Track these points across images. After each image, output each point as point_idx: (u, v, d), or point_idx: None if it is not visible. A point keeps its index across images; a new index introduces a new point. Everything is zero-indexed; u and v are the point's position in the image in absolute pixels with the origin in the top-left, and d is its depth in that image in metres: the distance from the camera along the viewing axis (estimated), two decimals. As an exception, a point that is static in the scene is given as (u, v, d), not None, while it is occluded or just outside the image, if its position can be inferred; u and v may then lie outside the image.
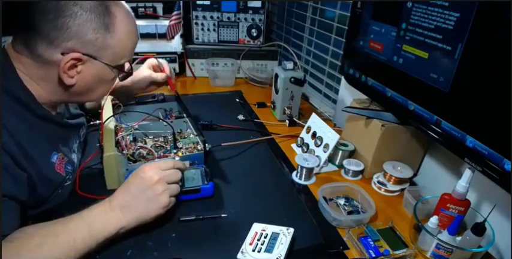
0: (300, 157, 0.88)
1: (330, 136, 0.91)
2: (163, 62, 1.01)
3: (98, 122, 0.97)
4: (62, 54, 0.61)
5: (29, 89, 0.63)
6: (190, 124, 0.99)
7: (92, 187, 0.78)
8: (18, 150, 0.58)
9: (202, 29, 1.52)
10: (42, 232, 0.57)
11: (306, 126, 1.03)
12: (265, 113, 1.25)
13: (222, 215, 0.74)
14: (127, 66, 0.75)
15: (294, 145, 1.05)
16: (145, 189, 0.65)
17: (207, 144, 0.88)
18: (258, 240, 0.65)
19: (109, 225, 0.62)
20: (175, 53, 1.53)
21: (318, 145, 0.95)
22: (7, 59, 0.62)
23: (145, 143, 0.90)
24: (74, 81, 0.65)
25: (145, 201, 0.65)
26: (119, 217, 0.63)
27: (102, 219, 0.62)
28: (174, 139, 0.89)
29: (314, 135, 0.97)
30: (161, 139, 0.94)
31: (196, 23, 1.51)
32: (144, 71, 0.99)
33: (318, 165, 0.90)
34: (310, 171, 0.88)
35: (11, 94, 0.60)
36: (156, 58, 1.00)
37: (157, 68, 1.01)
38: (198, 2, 1.46)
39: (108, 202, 0.64)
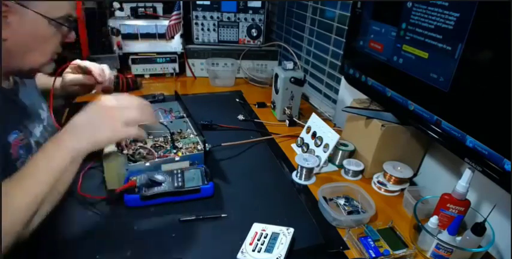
0: (300, 157, 0.88)
1: (330, 136, 0.91)
2: (89, 64, 0.90)
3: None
4: None
5: None
6: (190, 124, 0.99)
7: (92, 187, 0.78)
8: None
9: (202, 29, 1.52)
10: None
11: (306, 126, 1.03)
12: (265, 113, 1.25)
13: (222, 215, 0.74)
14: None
15: (294, 145, 1.05)
16: (99, 112, 0.61)
17: (207, 144, 0.88)
18: (258, 240, 0.65)
19: (62, 147, 0.58)
20: (175, 53, 1.54)
21: (318, 145, 0.95)
22: None
23: (145, 143, 0.90)
24: (5, 35, 0.59)
25: (96, 122, 0.61)
26: (70, 139, 0.59)
27: (53, 145, 0.59)
28: (172, 140, 0.89)
29: (314, 135, 0.97)
30: (161, 139, 0.94)
31: (196, 23, 1.51)
32: (67, 75, 0.90)
33: (318, 165, 0.90)
34: (310, 171, 0.88)
35: None
36: (82, 61, 0.91)
37: (80, 70, 0.91)
38: (198, 2, 1.46)
39: (61, 130, 0.61)
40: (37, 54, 0.67)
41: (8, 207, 0.52)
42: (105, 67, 0.92)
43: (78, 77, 0.89)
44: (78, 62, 0.90)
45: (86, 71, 0.90)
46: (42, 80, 0.90)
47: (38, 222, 0.57)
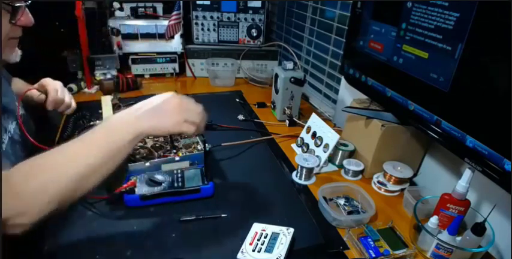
0: (300, 157, 0.88)
1: (330, 136, 0.91)
2: (50, 89, 0.96)
3: (98, 122, 0.97)
4: None
5: None
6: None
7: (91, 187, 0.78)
8: None
9: (202, 29, 1.52)
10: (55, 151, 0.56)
11: (306, 126, 1.03)
12: (265, 113, 1.25)
13: (222, 215, 0.74)
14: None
15: (294, 145, 1.05)
16: (168, 103, 0.65)
17: (207, 144, 0.88)
18: (258, 240, 0.65)
19: (127, 125, 0.61)
20: (175, 53, 1.54)
21: (318, 145, 0.95)
22: None
23: (145, 143, 0.90)
24: None
25: (163, 111, 0.64)
26: (136, 119, 0.62)
27: (117, 121, 0.62)
28: (171, 141, 0.89)
29: (314, 135, 0.97)
30: (161, 139, 0.94)
31: (196, 23, 1.51)
32: (32, 92, 0.96)
33: (318, 165, 0.90)
34: (310, 171, 0.88)
35: None
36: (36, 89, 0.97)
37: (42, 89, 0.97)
38: (198, 2, 1.46)
39: (125, 110, 0.64)
40: None
41: (57, 173, 0.53)
42: (65, 93, 0.99)
43: (34, 94, 0.96)
44: (46, 82, 0.96)
45: (45, 93, 0.96)
46: (17, 85, 0.94)
47: (77, 197, 0.56)
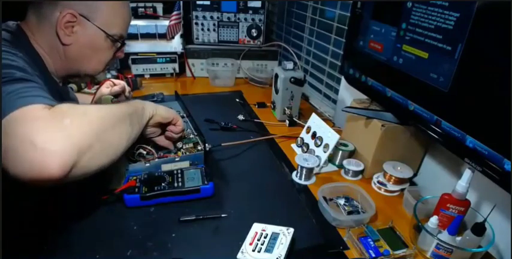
0: (300, 157, 0.88)
1: (330, 137, 0.91)
2: (119, 81, 1.09)
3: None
4: (60, 12, 0.69)
5: (41, 58, 0.72)
6: (190, 124, 0.99)
7: (91, 187, 0.78)
8: None
9: (202, 29, 1.52)
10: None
11: (306, 126, 1.03)
12: (265, 113, 1.25)
13: (222, 215, 0.74)
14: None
15: (294, 145, 1.05)
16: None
17: (207, 144, 0.88)
18: (258, 240, 0.65)
19: (147, 107, 0.74)
20: (175, 53, 1.54)
21: (318, 146, 0.95)
22: (22, 33, 0.70)
23: (145, 143, 0.89)
24: (70, 41, 0.72)
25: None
26: (150, 104, 0.76)
27: (140, 103, 0.73)
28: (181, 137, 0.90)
29: (314, 135, 0.97)
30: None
31: (196, 23, 1.51)
32: (103, 90, 1.05)
33: (318, 165, 0.90)
34: (310, 171, 0.88)
35: (31, 59, 0.66)
36: (109, 79, 1.09)
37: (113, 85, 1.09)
38: (198, 2, 1.46)
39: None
40: (93, 61, 0.79)
41: (80, 116, 0.55)
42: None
43: (115, 88, 1.06)
44: (113, 80, 1.10)
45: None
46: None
47: (91, 168, 0.55)
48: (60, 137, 0.49)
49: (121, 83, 1.07)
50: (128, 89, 1.10)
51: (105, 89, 1.04)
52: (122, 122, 0.63)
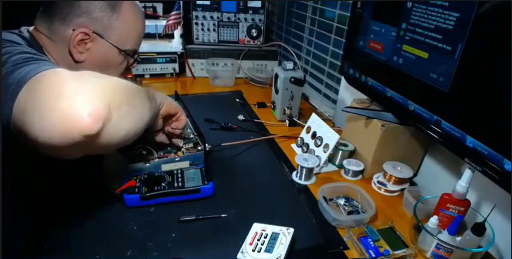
0: (300, 157, 0.88)
1: (330, 137, 0.91)
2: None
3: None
4: (73, 30, 0.68)
5: None
6: (190, 124, 0.99)
7: (91, 187, 0.78)
8: None
9: (202, 29, 1.52)
10: None
11: (306, 126, 1.03)
12: (265, 113, 1.25)
13: (222, 215, 0.74)
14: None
15: (294, 145, 1.05)
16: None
17: (207, 144, 0.88)
18: (258, 240, 0.65)
19: (158, 96, 0.72)
20: (175, 53, 1.53)
21: (318, 146, 0.95)
22: (38, 43, 0.69)
23: (145, 143, 0.89)
24: (83, 57, 0.71)
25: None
26: (160, 94, 0.75)
27: (151, 91, 0.68)
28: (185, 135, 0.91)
29: (314, 135, 0.97)
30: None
31: (196, 23, 1.50)
32: None
33: (318, 165, 0.90)
34: (310, 171, 0.88)
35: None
36: None
37: None
38: (198, 2, 1.46)
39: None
40: None
41: (107, 78, 0.50)
42: None
43: None
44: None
45: None
46: None
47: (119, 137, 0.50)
48: (91, 88, 0.45)
49: None
50: None
51: None
52: (142, 94, 0.59)
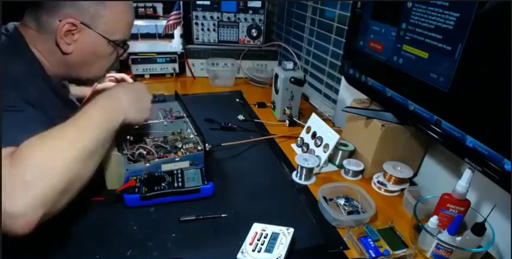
0: (300, 157, 0.88)
1: (330, 137, 0.91)
2: (123, 75, 1.16)
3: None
4: (60, 21, 0.67)
5: (40, 62, 0.70)
6: (190, 124, 0.99)
7: (91, 187, 0.78)
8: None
9: (202, 29, 1.52)
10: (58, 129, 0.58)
11: (306, 126, 1.03)
12: (265, 113, 1.25)
13: (222, 215, 0.74)
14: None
15: (294, 146, 1.05)
16: (141, 93, 0.77)
17: (207, 144, 0.88)
18: (258, 240, 0.65)
19: (117, 114, 0.68)
20: (175, 53, 1.53)
21: (318, 146, 0.95)
22: (20, 37, 0.68)
23: (145, 143, 0.90)
24: (71, 49, 0.70)
25: (141, 103, 0.76)
26: (122, 103, 0.70)
27: (111, 104, 0.68)
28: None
29: (314, 135, 0.97)
30: (161, 139, 0.94)
31: (196, 23, 1.51)
32: (107, 84, 1.05)
33: (318, 165, 0.90)
34: (310, 171, 0.88)
35: (29, 65, 0.67)
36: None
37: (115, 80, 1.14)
38: (198, 2, 1.46)
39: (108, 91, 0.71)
40: (95, 67, 0.78)
41: (55, 156, 0.54)
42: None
43: (110, 84, 1.06)
44: (113, 74, 1.15)
45: (119, 81, 1.13)
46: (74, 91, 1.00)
47: (77, 185, 0.58)
48: (22, 198, 0.49)
49: (121, 75, 1.13)
50: (129, 80, 1.14)
51: (108, 83, 1.06)
52: (96, 151, 0.62)
